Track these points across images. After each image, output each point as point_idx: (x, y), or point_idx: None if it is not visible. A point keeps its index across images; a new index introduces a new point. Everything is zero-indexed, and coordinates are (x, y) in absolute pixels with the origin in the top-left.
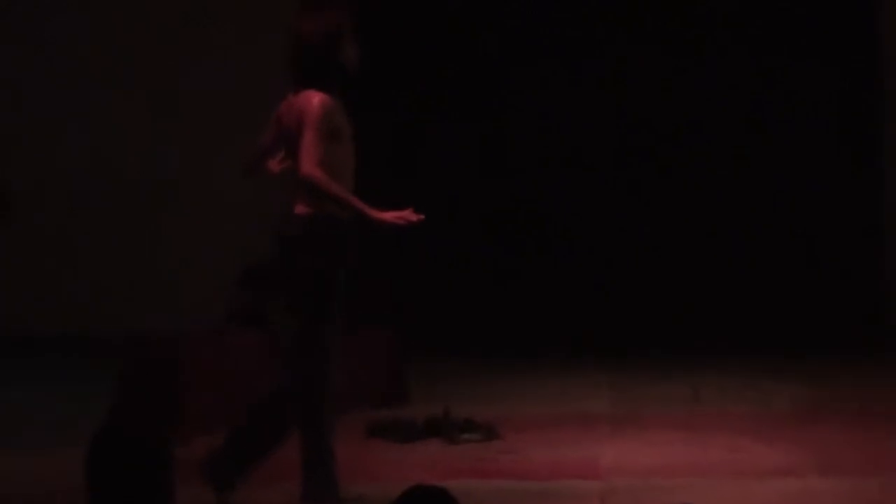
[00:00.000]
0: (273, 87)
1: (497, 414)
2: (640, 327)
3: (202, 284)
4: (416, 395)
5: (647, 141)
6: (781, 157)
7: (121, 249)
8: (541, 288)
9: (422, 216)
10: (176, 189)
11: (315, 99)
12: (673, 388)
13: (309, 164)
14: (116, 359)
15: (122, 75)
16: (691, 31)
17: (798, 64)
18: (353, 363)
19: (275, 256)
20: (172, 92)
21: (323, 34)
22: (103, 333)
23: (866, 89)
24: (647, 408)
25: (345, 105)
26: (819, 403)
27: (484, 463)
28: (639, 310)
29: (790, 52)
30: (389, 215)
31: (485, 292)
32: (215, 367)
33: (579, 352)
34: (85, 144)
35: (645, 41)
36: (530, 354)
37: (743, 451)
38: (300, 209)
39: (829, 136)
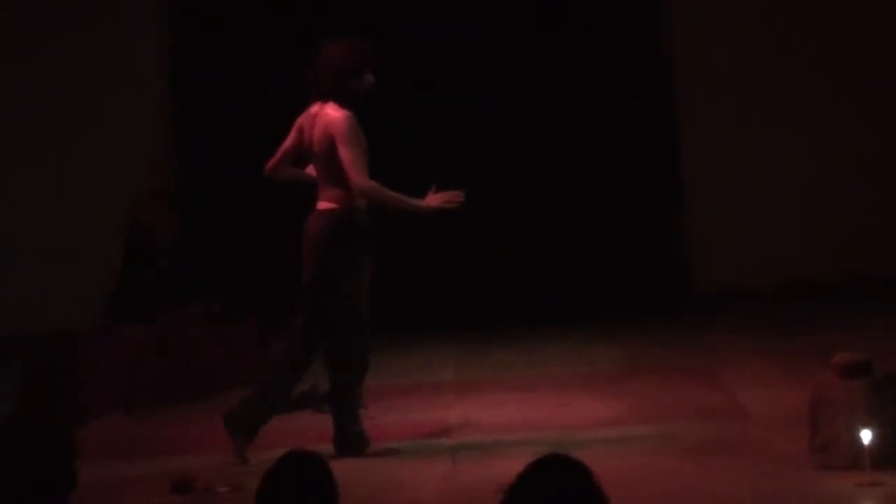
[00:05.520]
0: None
1: None
2: (479, 304)
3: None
4: None
5: (467, 131)
6: (586, 138)
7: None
8: (391, 274)
9: (462, 193)
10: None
11: (339, 115)
12: (509, 357)
13: (359, 177)
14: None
15: None
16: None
17: (585, 42)
18: (230, 348)
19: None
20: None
21: (346, 57)
22: None
23: (654, 62)
24: (487, 375)
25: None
26: (636, 363)
27: None
28: (476, 288)
29: (578, 31)
30: (435, 201)
31: None
32: (105, 359)
33: (426, 328)
34: None
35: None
36: (385, 333)
37: (573, 406)
38: (323, 205)
39: (627, 112)
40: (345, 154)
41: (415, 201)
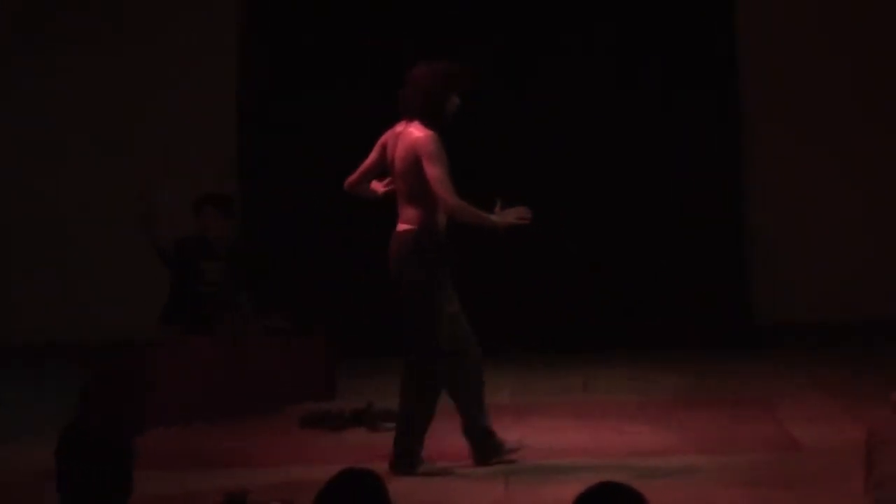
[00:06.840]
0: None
1: None
2: (538, 327)
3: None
4: (342, 391)
5: (543, 158)
6: (653, 171)
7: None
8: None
9: (529, 210)
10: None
11: (424, 134)
12: (567, 381)
13: (448, 195)
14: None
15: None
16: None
17: (664, 88)
18: (290, 363)
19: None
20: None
21: (434, 79)
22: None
23: (727, 108)
24: (544, 398)
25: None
26: (695, 392)
27: None
28: (536, 311)
29: (659, 75)
30: (510, 219)
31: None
32: (166, 370)
33: (484, 349)
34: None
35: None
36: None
37: (629, 433)
38: (402, 227)
39: (696, 152)
40: (432, 172)
41: (494, 217)
